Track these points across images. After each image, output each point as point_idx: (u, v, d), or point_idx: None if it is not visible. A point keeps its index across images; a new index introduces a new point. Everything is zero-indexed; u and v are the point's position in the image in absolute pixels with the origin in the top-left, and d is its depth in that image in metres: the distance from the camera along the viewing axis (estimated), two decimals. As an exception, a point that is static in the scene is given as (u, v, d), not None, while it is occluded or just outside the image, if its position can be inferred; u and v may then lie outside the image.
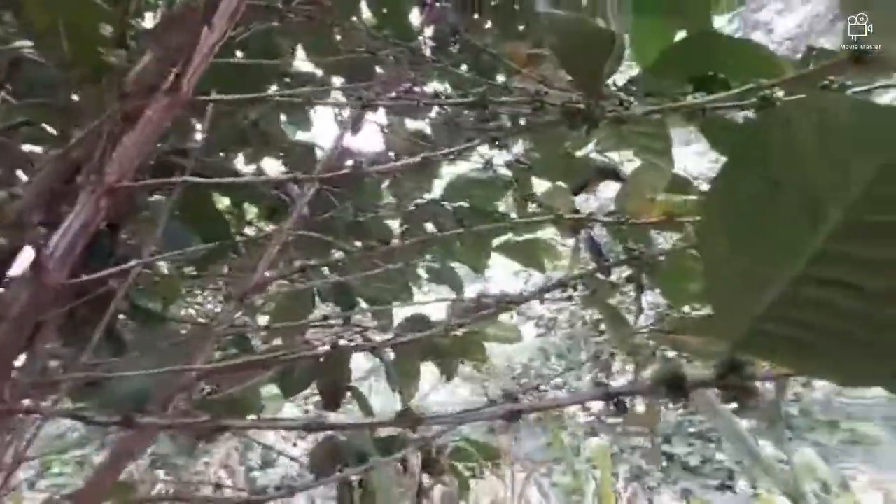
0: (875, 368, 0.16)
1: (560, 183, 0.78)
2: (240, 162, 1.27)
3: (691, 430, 4.61)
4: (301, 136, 1.32)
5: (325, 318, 0.73)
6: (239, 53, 0.95)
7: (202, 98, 0.41)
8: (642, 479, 4.39)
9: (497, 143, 0.40)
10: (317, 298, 1.28)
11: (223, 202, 1.39)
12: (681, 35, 0.72)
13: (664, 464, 4.57)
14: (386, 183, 1.32)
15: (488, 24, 1.19)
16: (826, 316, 0.16)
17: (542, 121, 0.39)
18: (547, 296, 0.67)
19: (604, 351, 5.12)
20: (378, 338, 1.07)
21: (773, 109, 0.14)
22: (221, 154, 1.18)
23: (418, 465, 1.00)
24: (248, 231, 1.35)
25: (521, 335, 1.44)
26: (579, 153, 0.96)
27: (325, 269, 1.24)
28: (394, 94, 1.01)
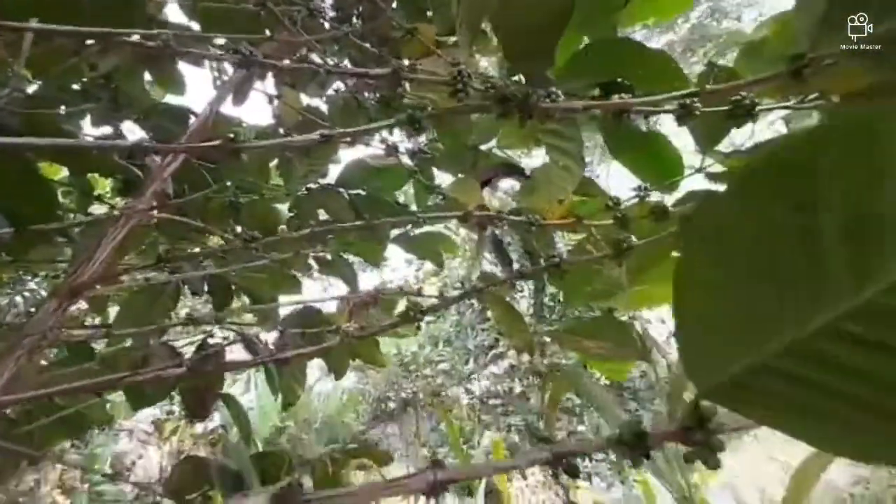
0: (877, 447, 0.15)
1: (468, 176, 0.75)
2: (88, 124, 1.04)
3: (560, 406, 5.08)
4: (175, 101, 1.11)
5: (190, 316, 0.61)
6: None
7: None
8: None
9: (415, 126, 0.35)
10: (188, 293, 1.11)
11: (63, 172, 1.13)
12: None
13: (535, 440, 4.99)
14: (275, 162, 1.18)
15: (394, 4, 1.12)
16: (827, 380, 0.14)
17: (459, 106, 0.35)
18: (437, 282, 0.64)
19: (488, 339, 5.37)
20: (261, 335, 0.95)
21: (816, 128, 0.11)
22: (63, 110, 0.95)
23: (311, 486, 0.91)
24: (99, 210, 1.11)
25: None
26: (483, 147, 0.94)
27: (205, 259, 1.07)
28: (287, 61, 0.89)
